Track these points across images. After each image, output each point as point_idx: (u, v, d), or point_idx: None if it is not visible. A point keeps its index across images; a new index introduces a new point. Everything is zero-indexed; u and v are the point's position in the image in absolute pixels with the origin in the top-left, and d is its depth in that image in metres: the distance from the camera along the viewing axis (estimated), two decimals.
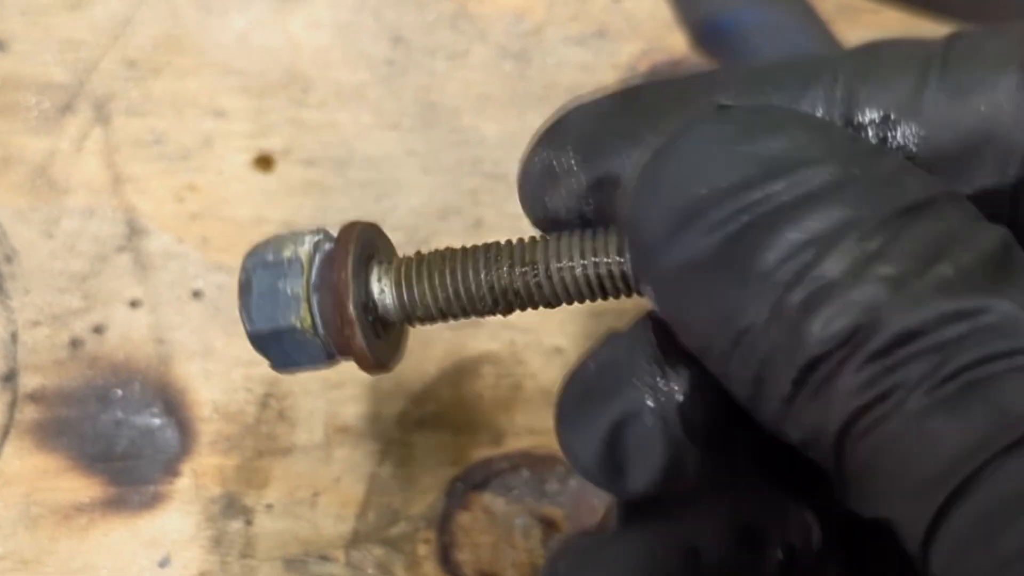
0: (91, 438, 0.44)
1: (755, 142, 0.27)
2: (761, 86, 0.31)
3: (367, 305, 0.34)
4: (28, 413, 0.44)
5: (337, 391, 0.45)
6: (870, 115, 0.30)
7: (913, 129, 0.29)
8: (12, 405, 0.44)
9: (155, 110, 0.49)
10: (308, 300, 0.33)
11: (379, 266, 0.34)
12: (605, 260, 0.32)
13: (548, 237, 0.33)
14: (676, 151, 0.28)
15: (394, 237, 0.48)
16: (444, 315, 0.34)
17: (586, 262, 0.32)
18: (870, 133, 0.30)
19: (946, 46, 0.30)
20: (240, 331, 0.46)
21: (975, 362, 0.24)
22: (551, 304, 0.34)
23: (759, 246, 0.26)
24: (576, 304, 0.34)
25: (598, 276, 0.32)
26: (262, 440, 0.44)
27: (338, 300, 0.32)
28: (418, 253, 0.35)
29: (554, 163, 0.33)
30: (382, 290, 0.34)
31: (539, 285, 0.33)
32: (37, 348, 0.45)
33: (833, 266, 0.25)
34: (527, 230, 0.48)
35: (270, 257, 0.34)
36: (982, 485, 0.23)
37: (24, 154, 0.48)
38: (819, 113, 0.30)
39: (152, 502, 0.43)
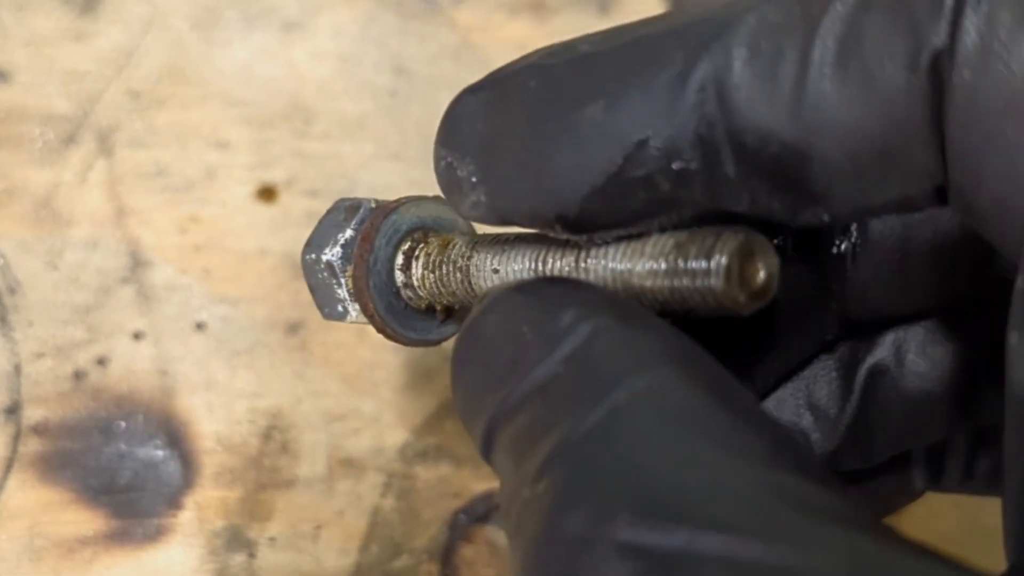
0: (94, 471, 0.44)
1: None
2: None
3: (390, 286, 0.35)
4: (32, 446, 0.44)
5: (339, 423, 0.45)
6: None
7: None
8: (16, 438, 0.44)
9: (158, 141, 0.50)
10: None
11: (411, 244, 0.35)
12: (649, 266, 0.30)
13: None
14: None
15: None
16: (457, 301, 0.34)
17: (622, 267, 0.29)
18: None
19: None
20: (243, 363, 0.46)
21: None
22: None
23: None
24: None
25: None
26: (265, 473, 0.44)
27: (359, 276, 0.34)
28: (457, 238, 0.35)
29: (456, 170, 0.30)
30: (405, 270, 0.35)
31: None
32: (41, 380, 0.45)
33: None
34: None
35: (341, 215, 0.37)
36: None
37: (28, 186, 0.48)
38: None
39: (156, 535, 0.43)
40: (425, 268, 0.34)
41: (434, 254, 0.34)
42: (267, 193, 0.49)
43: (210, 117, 0.50)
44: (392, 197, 0.50)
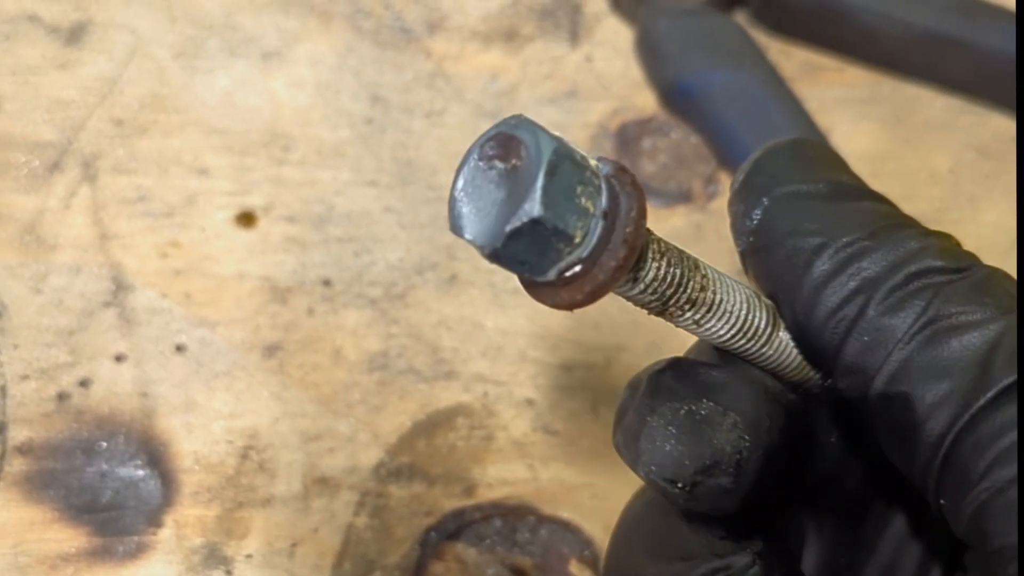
0: (77, 490, 0.45)
1: None
2: None
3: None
4: (17, 465, 0.45)
5: (315, 443, 0.47)
6: None
7: None
8: (1, 457, 0.45)
9: (140, 168, 0.51)
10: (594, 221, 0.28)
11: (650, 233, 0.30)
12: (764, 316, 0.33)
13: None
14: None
15: (372, 291, 0.50)
16: (664, 309, 0.31)
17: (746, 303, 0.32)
18: None
19: None
20: (222, 385, 0.47)
21: None
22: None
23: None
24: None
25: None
26: (242, 491, 0.46)
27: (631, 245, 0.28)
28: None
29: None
30: (654, 253, 0.30)
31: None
32: (25, 401, 0.47)
33: None
34: (500, 284, 0.50)
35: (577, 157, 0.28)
36: None
37: (13, 212, 0.50)
38: None
39: (136, 552, 0.45)
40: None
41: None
42: (246, 218, 0.51)
43: (191, 144, 0.52)
44: (368, 223, 0.51)
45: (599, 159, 0.29)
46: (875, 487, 0.35)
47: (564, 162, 0.27)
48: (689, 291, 0.31)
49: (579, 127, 0.54)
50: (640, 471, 0.31)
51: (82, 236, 0.50)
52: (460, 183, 0.28)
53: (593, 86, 0.55)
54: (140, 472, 0.46)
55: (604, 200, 0.28)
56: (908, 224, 0.32)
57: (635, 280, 0.29)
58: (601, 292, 0.28)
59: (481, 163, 0.28)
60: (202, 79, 0.53)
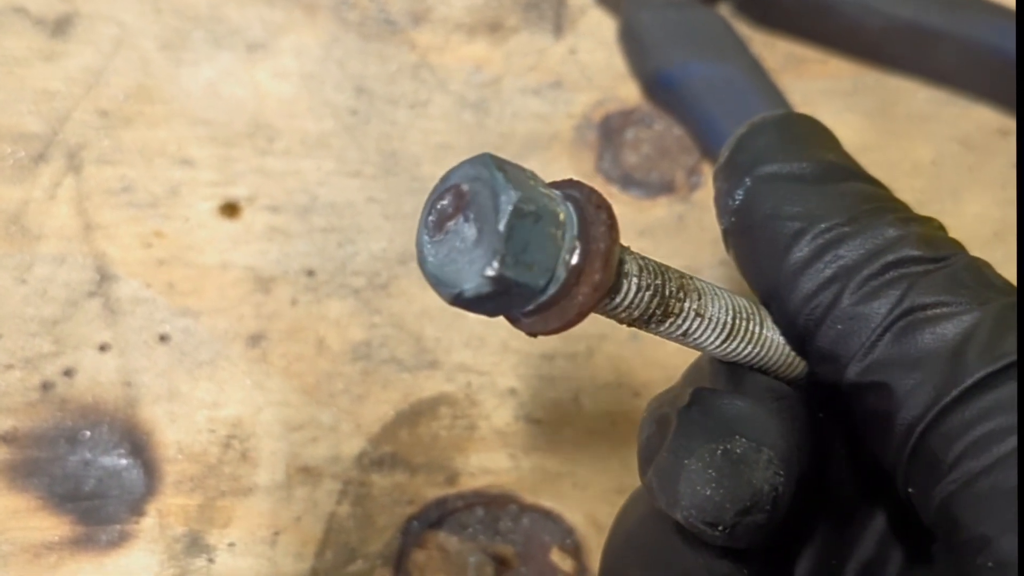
0: (60, 479, 0.45)
1: None
2: None
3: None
4: (0, 454, 0.46)
5: (298, 433, 0.47)
6: None
7: None
8: None
9: (125, 159, 0.51)
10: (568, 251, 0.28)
11: (627, 252, 0.30)
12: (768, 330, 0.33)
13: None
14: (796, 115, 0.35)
15: (355, 282, 0.50)
16: (646, 323, 0.31)
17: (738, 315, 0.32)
18: None
19: None
20: (205, 374, 0.47)
21: None
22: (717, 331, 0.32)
23: (859, 182, 0.33)
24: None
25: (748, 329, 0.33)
26: (225, 480, 0.46)
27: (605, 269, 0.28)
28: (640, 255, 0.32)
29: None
30: (629, 276, 0.30)
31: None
32: (9, 391, 0.47)
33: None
34: None
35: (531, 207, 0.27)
36: None
37: None
38: None
39: (119, 541, 0.45)
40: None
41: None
42: (230, 209, 0.51)
43: (175, 135, 0.52)
44: (352, 213, 0.51)
45: (567, 194, 0.28)
46: (862, 486, 0.35)
47: (526, 213, 0.27)
48: (670, 307, 0.30)
49: (563, 118, 0.54)
50: (678, 515, 0.31)
51: (67, 226, 0.50)
52: (424, 229, 0.28)
53: (577, 77, 0.55)
54: (123, 461, 0.46)
55: (572, 241, 0.27)
56: (891, 208, 0.32)
57: (610, 302, 0.30)
58: (562, 330, 0.28)
59: (444, 207, 0.28)
60: (187, 70, 0.54)
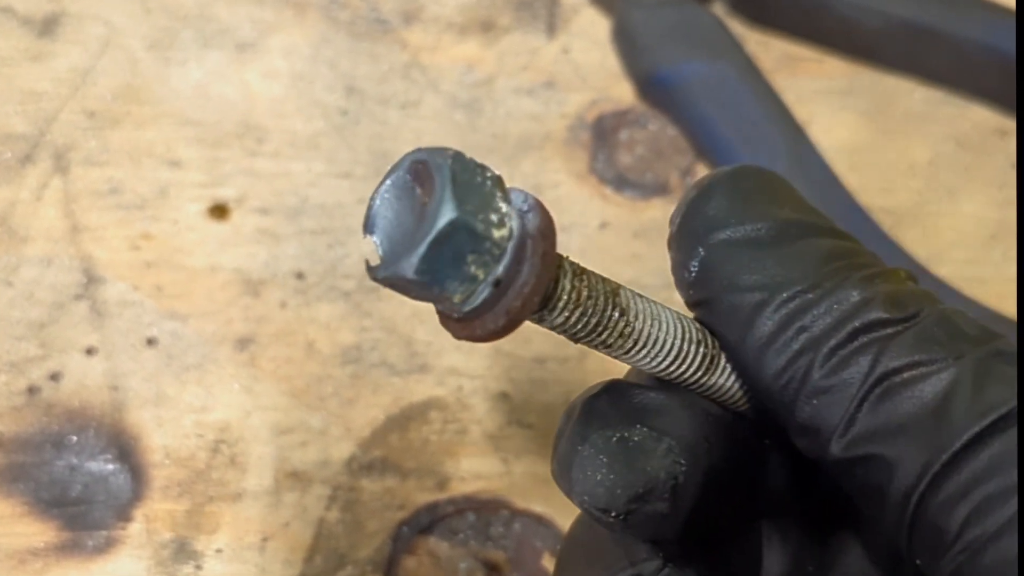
0: (46, 484, 0.45)
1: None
2: None
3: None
4: None
5: (287, 437, 0.46)
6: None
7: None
8: None
9: (113, 160, 0.51)
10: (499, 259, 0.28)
11: (566, 262, 0.30)
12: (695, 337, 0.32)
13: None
14: (753, 168, 0.33)
15: (346, 284, 0.49)
16: (589, 332, 0.31)
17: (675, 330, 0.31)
18: None
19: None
20: (193, 378, 0.47)
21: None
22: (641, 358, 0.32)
23: (820, 241, 0.31)
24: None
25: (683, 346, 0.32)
26: (213, 485, 0.45)
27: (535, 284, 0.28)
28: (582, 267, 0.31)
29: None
30: (565, 287, 0.30)
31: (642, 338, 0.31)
32: None
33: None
34: None
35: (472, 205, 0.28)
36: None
37: None
38: None
39: (105, 547, 0.44)
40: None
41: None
42: (219, 210, 0.50)
43: (163, 136, 0.51)
44: (342, 213, 0.51)
45: (523, 213, 0.28)
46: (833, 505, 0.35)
47: (459, 232, 0.27)
48: (612, 327, 0.30)
49: (556, 118, 0.54)
50: (574, 500, 0.31)
51: (54, 228, 0.49)
52: (381, 191, 0.28)
53: (570, 77, 0.54)
54: (110, 466, 0.46)
55: (500, 269, 0.27)
56: (855, 267, 0.30)
57: (544, 319, 0.29)
58: (487, 340, 0.29)
59: (406, 177, 0.28)
60: (176, 70, 0.53)
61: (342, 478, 0.46)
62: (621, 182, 0.53)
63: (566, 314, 0.29)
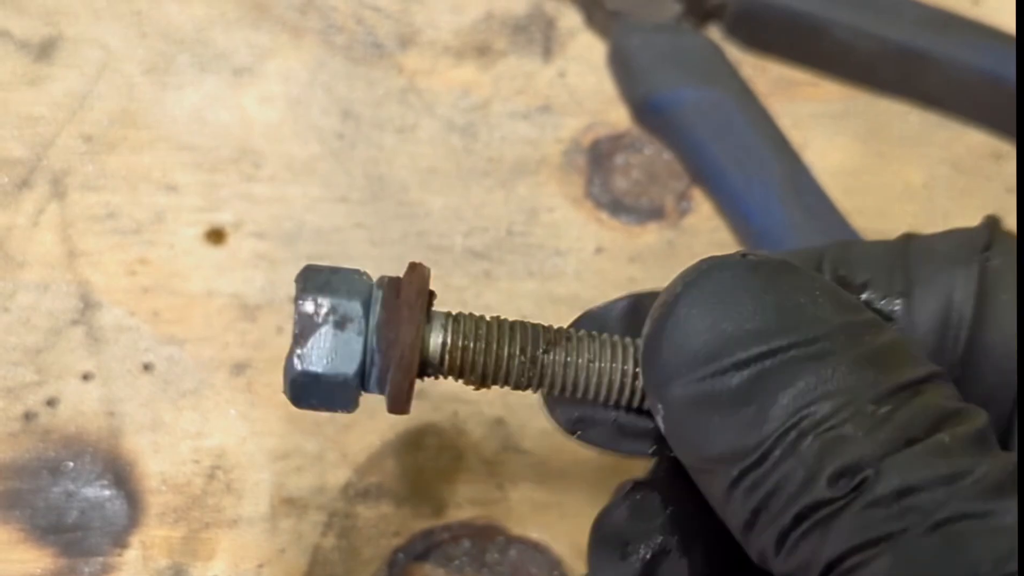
0: (43, 510, 0.45)
1: (777, 293, 0.30)
2: None
3: (424, 358, 0.34)
4: None
5: (283, 462, 0.47)
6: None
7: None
8: None
9: (109, 185, 0.51)
10: (367, 354, 0.33)
11: (439, 318, 0.34)
12: (623, 367, 0.33)
13: (583, 333, 0.34)
14: (704, 285, 0.31)
15: None
16: (485, 381, 0.34)
17: (604, 365, 0.33)
18: None
19: (904, 246, 0.35)
20: (189, 404, 0.47)
21: (959, 516, 0.27)
22: (569, 392, 0.34)
23: (778, 391, 0.29)
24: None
25: (610, 382, 0.33)
26: (209, 512, 0.45)
27: (405, 364, 0.33)
28: (466, 314, 0.35)
29: None
30: (441, 344, 0.34)
31: (566, 372, 0.34)
32: None
33: (849, 424, 0.29)
34: (470, 302, 0.49)
35: (327, 305, 0.33)
36: None
37: None
38: None
39: (101, 573, 0.44)
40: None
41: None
42: (215, 235, 0.50)
43: (160, 160, 0.51)
44: (339, 238, 0.51)
45: (376, 284, 0.33)
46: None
47: (322, 325, 0.32)
48: (508, 375, 0.33)
49: (552, 142, 0.54)
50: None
51: (50, 253, 0.49)
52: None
53: (566, 101, 0.55)
54: (106, 492, 0.46)
55: (365, 350, 0.33)
56: (812, 420, 0.29)
57: (436, 377, 0.34)
58: (399, 413, 0.35)
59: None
60: (172, 95, 0.53)
61: (338, 504, 0.46)
62: (617, 206, 0.53)
63: (458, 360, 0.33)
